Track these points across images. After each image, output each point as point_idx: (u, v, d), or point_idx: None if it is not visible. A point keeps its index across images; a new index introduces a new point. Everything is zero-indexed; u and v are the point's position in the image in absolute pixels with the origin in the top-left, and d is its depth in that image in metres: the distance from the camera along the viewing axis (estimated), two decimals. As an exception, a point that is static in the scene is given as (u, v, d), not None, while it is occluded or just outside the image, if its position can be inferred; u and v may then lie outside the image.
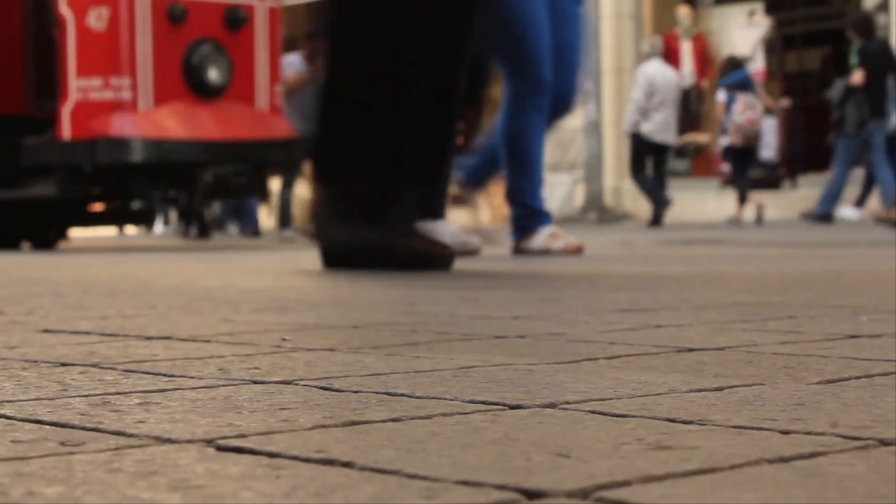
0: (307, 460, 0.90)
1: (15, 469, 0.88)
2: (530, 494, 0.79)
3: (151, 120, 8.85)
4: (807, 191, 14.96)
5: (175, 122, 8.90)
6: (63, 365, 1.55)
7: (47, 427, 1.07)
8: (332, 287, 3.31)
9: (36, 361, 1.60)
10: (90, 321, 2.24)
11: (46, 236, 10.22)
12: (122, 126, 8.77)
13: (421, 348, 1.71)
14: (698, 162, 17.57)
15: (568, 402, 1.18)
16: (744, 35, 16.60)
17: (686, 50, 16.89)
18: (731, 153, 13.88)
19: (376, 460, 0.90)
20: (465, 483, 0.82)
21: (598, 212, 16.24)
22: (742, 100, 13.61)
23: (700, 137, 16.95)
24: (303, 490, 0.80)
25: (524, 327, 2.01)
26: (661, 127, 13.20)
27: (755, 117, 13.75)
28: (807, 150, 16.40)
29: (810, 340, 1.75)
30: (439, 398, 1.22)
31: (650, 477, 0.83)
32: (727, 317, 2.16)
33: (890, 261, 4.45)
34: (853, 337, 1.79)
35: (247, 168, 9.40)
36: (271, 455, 0.93)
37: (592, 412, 1.12)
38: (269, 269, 4.60)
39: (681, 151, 16.63)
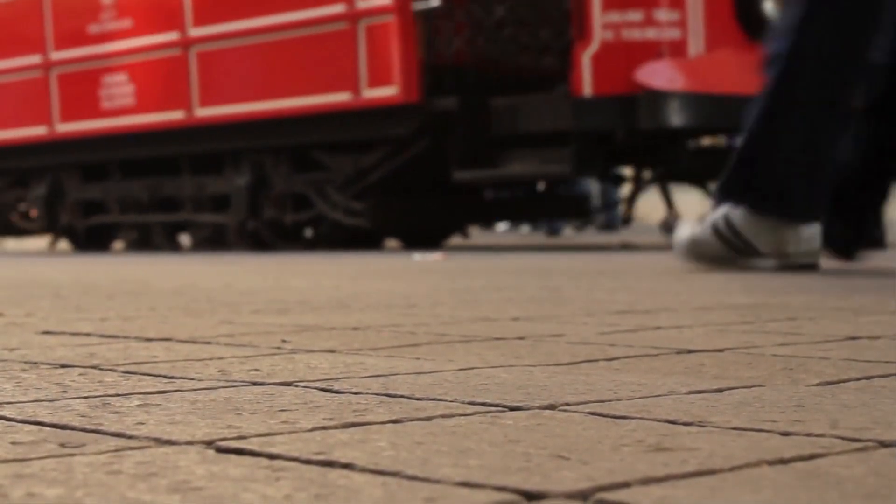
0: (307, 462, 0.90)
1: (15, 471, 0.88)
2: (530, 496, 0.79)
3: (706, 70, 6.42)
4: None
5: (731, 74, 6.35)
6: (63, 366, 1.55)
7: (47, 429, 1.07)
8: (333, 288, 3.31)
9: (36, 363, 1.60)
10: (90, 323, 2.24)
11: (431, 234, 8.03)
12: (671, 77, 6.32)
13: (421, 350, 1.71)
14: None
15: (567, 404, 1.18)
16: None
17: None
18: None
19: (376, 462, 0.90)
20: (465, 485, 0.82)
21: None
22: None
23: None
24: (303, 492, 0.80)
25: (523, 329, 2.02)
26: None
27: None
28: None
29: (810, 342, 1.75)
30: (439, 400, 1.22)
31: (650, 478, 0.83)
32: (727, 318, 2.16)
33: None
34: (852, 338, 1.79)
35: None
36: (271, 457, 0.93)
37: (592, 414, 1.12)
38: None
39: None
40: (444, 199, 7.52)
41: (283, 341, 1.85)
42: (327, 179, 7.44)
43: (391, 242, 8.22)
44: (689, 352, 1.65)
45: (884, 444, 0.95)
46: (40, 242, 11.32)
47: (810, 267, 4.01)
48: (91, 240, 9.40)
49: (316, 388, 1.33)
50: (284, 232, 7.81)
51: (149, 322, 2.24)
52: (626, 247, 7.50)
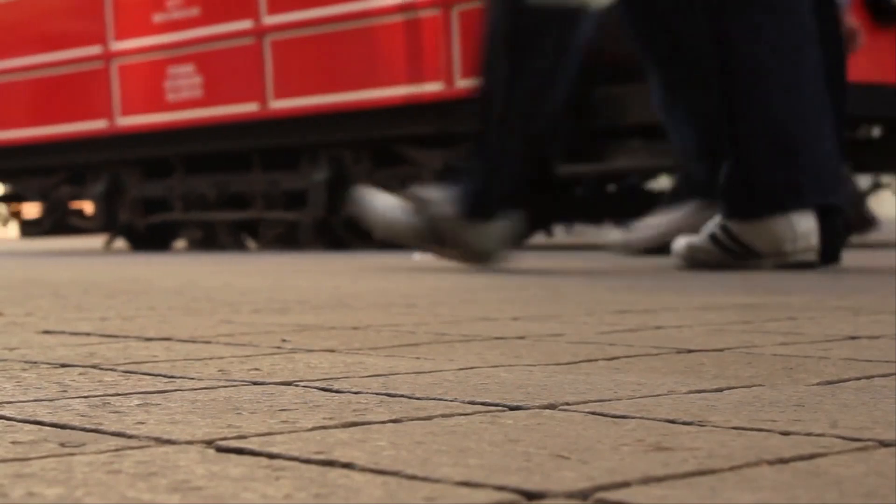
0: (307, 461, 0.90)
1: (15, 470, 0.88)
2: (530, 495, 0.79)
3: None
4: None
5: (860, 61, 5.96)
6: (63, 366, 1.55)
7: (47, 428, 1.07)
8: (333, 288, 3.31)
9: (36, 363, 1.60)
10: (90, 322, 2.24)
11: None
12: None
13: (421, 349, 1.71)
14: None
15: (567, 404, 1.18)
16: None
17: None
18: None
19: (377, 462, 0.90)
20: (465, 484, 0.82)
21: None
22: None
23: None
24: (303, 491, 0.80)
25: (523, 328, 2.02)
26: None
27: None
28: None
29: (810, 342, 1.75)
30: (439, 399, 1.22)
31: (649, 478, 0.83)
32: (726, 318, 2.16)
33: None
34: (853, 338, 1.79)
35: None
36: (271, 456, 0.93)
37: (592, 413, 1.12)
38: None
39: None
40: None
41: (283, 340, 1.85)
42: (414, 174, 7.08)
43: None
44: (689, 351, 1.65)
45: (884, 444, 0.95)
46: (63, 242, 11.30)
47: (808, 265, 4.01)
48: (151, 239, 9.10)
49: (316, 387, 1.33)
50: (360, 230, 7.43)
51: (149, 321, 2.24)
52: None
